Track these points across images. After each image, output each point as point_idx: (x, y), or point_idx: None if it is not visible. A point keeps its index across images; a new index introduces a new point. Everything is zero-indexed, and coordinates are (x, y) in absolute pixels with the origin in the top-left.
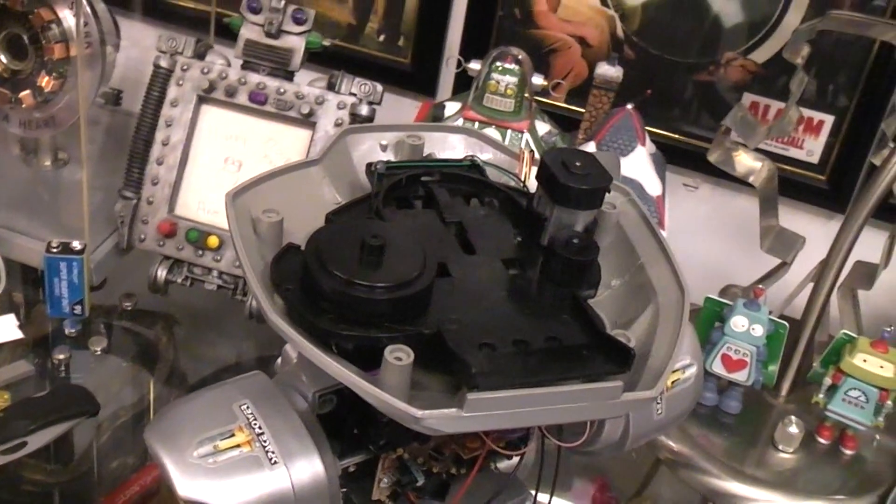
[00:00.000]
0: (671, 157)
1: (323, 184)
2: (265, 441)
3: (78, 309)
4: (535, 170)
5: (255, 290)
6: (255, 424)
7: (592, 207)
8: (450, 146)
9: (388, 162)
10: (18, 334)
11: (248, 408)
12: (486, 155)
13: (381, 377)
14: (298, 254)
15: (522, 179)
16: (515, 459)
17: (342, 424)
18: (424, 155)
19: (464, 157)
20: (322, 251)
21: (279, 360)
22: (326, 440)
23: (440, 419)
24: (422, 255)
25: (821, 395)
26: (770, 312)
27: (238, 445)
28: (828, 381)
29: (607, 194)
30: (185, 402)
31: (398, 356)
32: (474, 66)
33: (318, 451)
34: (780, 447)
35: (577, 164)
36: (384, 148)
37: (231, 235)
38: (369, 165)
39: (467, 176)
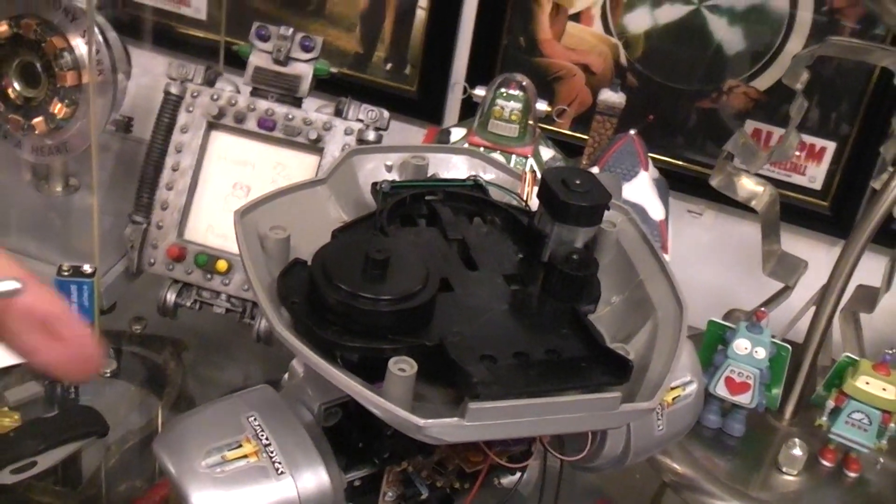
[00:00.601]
0: (675, 183)
1: (329, 202)
2: (272, 452)
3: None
4: (536, 190)
5: (263, 303)
6: (262, 435)
7: (592, 224)
8: (454, 167)
9: (393, 181)
10: None
11: (255, 419)
12: (489, 175)
13: (385, 388)
14: (305, 268)
15: (525, 199)
16: (518, 474)
17: (347, 438)
18: (429, 175)
19: (467, 177)
20: (328, 265)
21: (286, 375)
22: (332, 452)
23: (442, 428)
24: (424, 270)
25: (824, 418)
26: (773, 336)
27: (245, 456)
28: (831, 403)
29: (607, 213)
30: (194, 414)
31: (402, 367)
32: (479, 92)
33: (323, 462)
34: (784, 469)
35: (577, 181)
36: (389, 168)
37: (239, 251)
38: (374, 184)
39: (470, 195)
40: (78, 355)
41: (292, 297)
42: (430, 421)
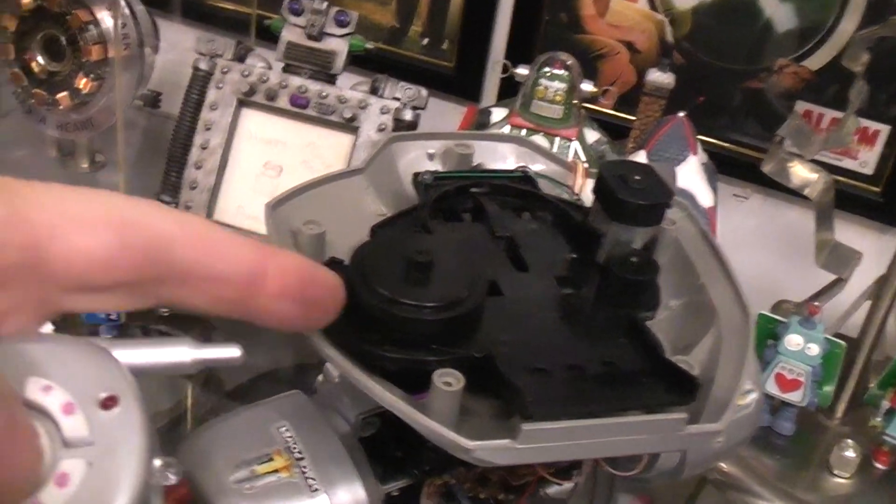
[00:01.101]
0: (720, 166)
1: (367, 194)
2: (304, 467)
3: (113, 315)
4: (589, 182)
5: None
6: (295, 449)
7: (652, 224)
8: (500, 156)
9: (435, 172)
10: None
11: (286, 430)
12: (538, 166)
13: (429, 403)
14: (341, 269)
15: (577, 192)
16: (566, 486)
17: (385, 446)
18: (473, 165)
19: (515, 168)
20: (366, 267)
21: (320, 376)
22: (369, 466)
23: (493, 451)
24: (472, 272)
25: (878, 419)
26: (825, 330)
27: (276, 470)
28: (886, 403)
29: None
30: (221, 423)
31: (447, 381)
32: (522, 71)
33: (360, 478)
34: (835, 471)
35: (637, 177)
36: (431, 157)
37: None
38: (416, 175)
39: (519, 188)
40: (329, 308)
41: None
42: (479, 443)
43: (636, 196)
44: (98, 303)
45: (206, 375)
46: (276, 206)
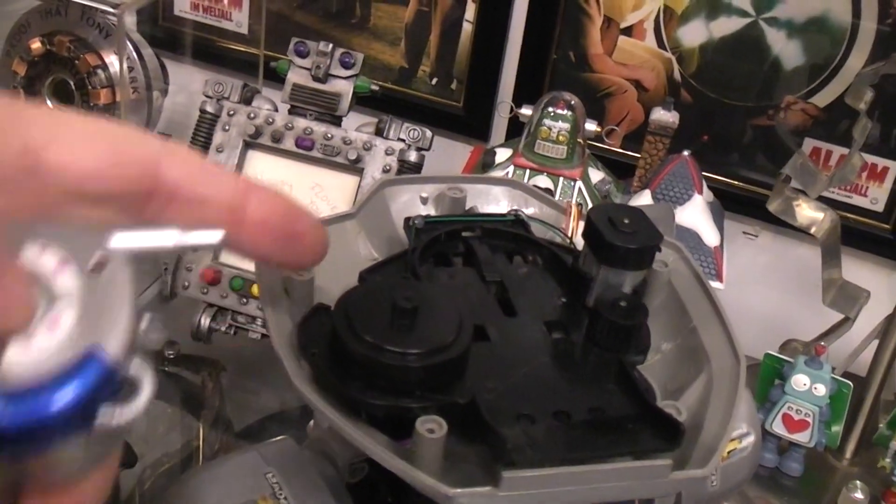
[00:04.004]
0: (729, 203)
1: (359, 239)
2: None
3: None
4: (582, 225)
5: (281, 353)
6: (281, 495)
7: (641, 268)
8: (493, 199)
9: (426, 217)
10: None
11: (273, 476)
12: (530, 209)
13: (413, 449)
14: (327, 315)
15: (569, 235)
16: None
17: (375, 493)
18: (467, 208)
19: (507, 212)
20: (351, 313)
21: (311, 422)
22: None
23: (473, 498)
24: (458, 318)
25: (887, 459)
26: (833, 370)
27: None
28: (895, 444)
29: (659, 251)
30: (208, 469)
31: (430, 428)
32: (525, 111)
33: None
34: None
35: (625, 221)
36: (424, 200)
37: (259, 295)
38: (407, 220)
39: (510, 231)
40: (312, 248)
41: (313, 347)
42: (459, 490)
43: (625, 240)
44: (90, 215)
45: (216, 415)
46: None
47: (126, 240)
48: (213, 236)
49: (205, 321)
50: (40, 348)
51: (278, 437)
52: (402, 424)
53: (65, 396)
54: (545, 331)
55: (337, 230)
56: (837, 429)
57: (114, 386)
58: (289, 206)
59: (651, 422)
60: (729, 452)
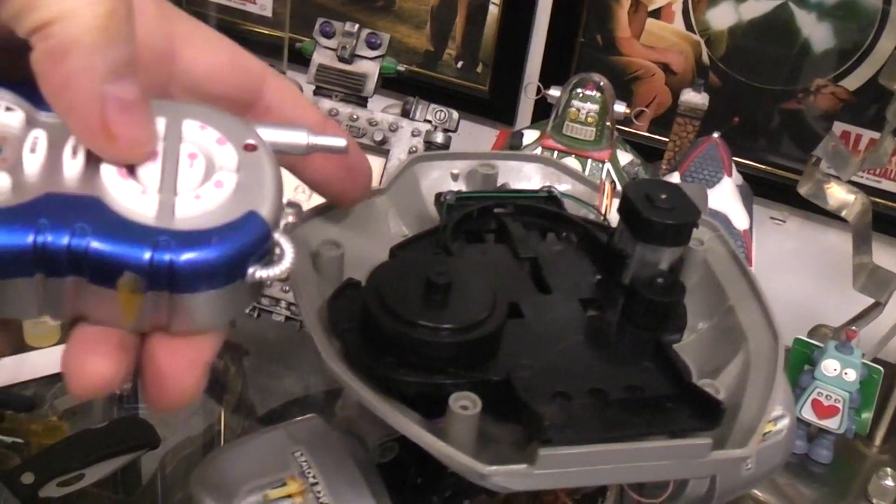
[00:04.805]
0: (757, 188)
1: (389, 215)
2: (319, 492)
3: None
4: (616, 202)
5: (311, 329)
6: (309, 473)
7: (678, 244)
8: (525, 176)
9: (458, 192)
10: None
11: (301, 455)
12: (563, 186)
13: (446, 428)
14: (358, 291)
15: (603, 213)
16: None
17: (405, 473)
18: (498, 185)
19: (540, 188)
20: (383, 289)
21: (340, 400)
22: (386, 492)
23: (508, 476)
24: (491, 294)
25: None
26: (863, 355)
27: (290, 496)
28: None
29: (696, 230)
30: (235, 447)
31: (464, 405)
32: (554, 92)
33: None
34: (874, 501)
35: (663, 196)
36: (455, 177)
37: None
38: (438, 196)
39: (543, 208)
40: (363, 185)
41: (343, 323)
42: (494, 468)
43: (662, 215)
44: None
45: (238, 400)
46: (294, 227)
47: (267, 132)
48: (339, 141)
49: None
50: (208, 202)
51: (306, 416)
52: (435, 403)
53: (229, 244)
54: (580, 308)
55: (367, 206)
56: (867, 415)
57: (266, 245)
58: (353, 143)
59: (689, 401)
60: (765, 435)
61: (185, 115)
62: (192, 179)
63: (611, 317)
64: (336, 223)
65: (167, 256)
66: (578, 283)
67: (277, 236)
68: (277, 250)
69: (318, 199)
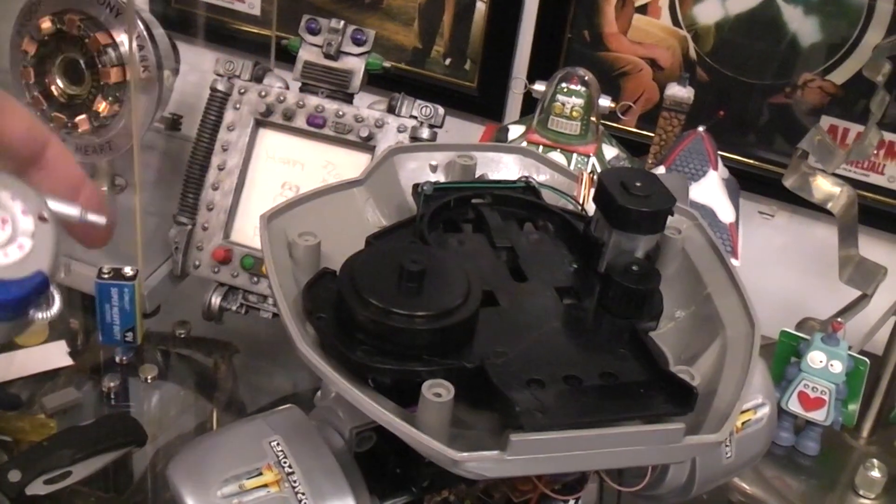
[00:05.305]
0: (746, 183)
1: (367, 206)
2: (295, 481)
3: (129, 336)
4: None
5: (286, 317)
6: (285, 463)
7: (654, 232)
8: (504, 167)
9: (435, 183)
10: (68, 361)
11: (278, 445)
12: (542, 176)
13: (419, 415)
14: (334, 280)
15: (581, 202)
16: (571, 502)
17: (383, 463)
18: (477, 176)
19: (518, 178)
20: (357, 277)
21: (319, 392)
22: (363, 481)
23: (481, 462)
24: (466, 282)
25: None
26: (850, 347)
27: (266, 485)
28: None
29: (673, 218)
30: (212, 437)
31: (437, 392)
32: (539, 87)
33: (352, 492)
34: (861, 492)
35: (638, 184)
36: (434, 169)
37: (264, 260)
38: (416, 186)
39: (521, 198)
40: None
41: (319, 311)
42: (466, 454)
43: (637, 203)
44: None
45: (229, 398)
46: (271, 218)
47: (55, 205)
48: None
49: (216, 300)
50: (11, 258)
51: (284, 406)
52: (410, 390)
53: (21, 292)
54: (556, 297)
55: (344, 197)
56: (854, 407)
57: (44, 294)
58: (108, 214)
59: (663, 387)
60: (744, 423)
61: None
62: (1, 239)
63: (587, 305)
64: (314, 214)
65: None
66: (555, 271)
67: (52, 289)
68: (51, 299)
69: None
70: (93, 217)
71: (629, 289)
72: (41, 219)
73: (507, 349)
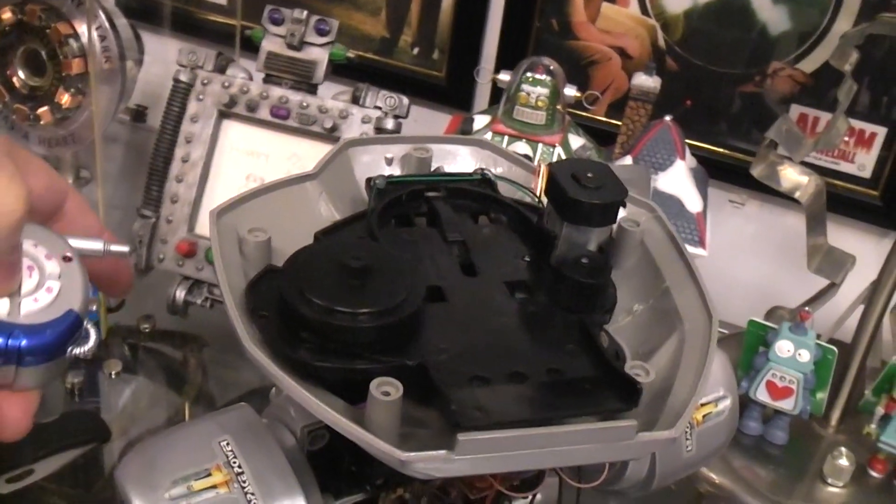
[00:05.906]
0: (716, 172)
1: (320, 200)
2: (244, 482)
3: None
4: None
5: (232, 315)
6: (235, 463)
7: (605, 224)
8: (461, 160)
9: (389, 176)
10: None
11: (228, 444)
12: (499, 168)
13: (368, 414)
14: (277, 276)
15: (538, 195)
16: (527, 499)
17: (338, 461)
18: (433, 169)
19: (474, 171)
20: (300, 274)
21: (273, 389)
22: (315, 480)
23: (429, 462)
24: (410, 278)
25: (873, 426)
26: (818, 336)
27: (215, 486)
28: (880, 410)
29: (631, 210)
30: (161, 438)
31: (386, 391)
32: (504, 77)
33: (303, 492)
34: (830, 481)
35: (589, 175)
36: (389, 161)
37: (213, 256)
38: (368, 180)
39: (475, 191)
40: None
41: (262, 309)
42: (413, 454)
43: (588, 195)
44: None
45: (198, 391)
46: (221, 213)
47: (77, 243)
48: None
49: (180, 294)
50: (41, 303)
51: (236, 405)
52: (358, 388)
53: (56, 333)
54: (507, 291)
55: (297, 191)
56: (822, 396)
57: (79, 332)
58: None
59: (608, 383)
60: (704, 416)
61: (23, 236)
62: (30, 286)
63: (539, 299)
64: (265, 209)
65: (17, 342)
66: (507, 265)
67: (86, 324)
68: (86, 333)
69: None
70: (116, 248)
71: (579, 282)
72: (66, 259)
73: (451, 346)
